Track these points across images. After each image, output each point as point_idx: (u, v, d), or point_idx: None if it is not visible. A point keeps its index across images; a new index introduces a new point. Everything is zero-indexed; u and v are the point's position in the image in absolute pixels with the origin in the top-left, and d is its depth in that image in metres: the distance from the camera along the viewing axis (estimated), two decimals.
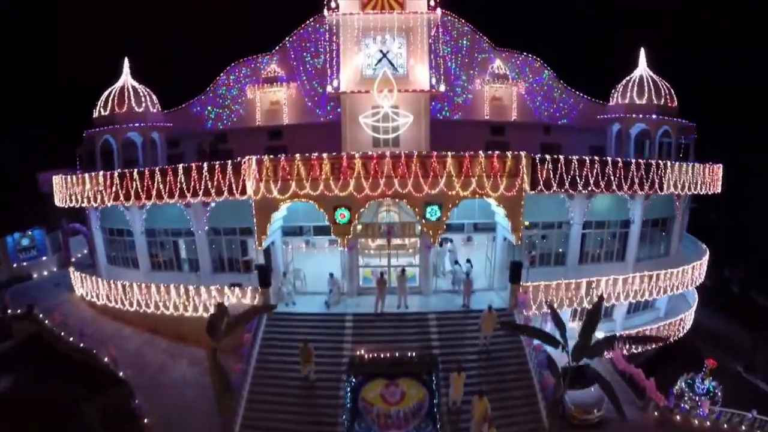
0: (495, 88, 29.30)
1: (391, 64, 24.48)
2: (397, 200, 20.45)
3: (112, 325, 23.17)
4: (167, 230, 23.23)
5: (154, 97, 26.50)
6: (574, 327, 20.27)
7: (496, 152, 19.81)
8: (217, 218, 22.10)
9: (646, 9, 44.23)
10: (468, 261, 22.51)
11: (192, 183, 20.39)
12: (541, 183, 20.36)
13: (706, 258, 26.45)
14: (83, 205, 23.21)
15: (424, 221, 20.02)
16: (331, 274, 21.58)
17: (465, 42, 29.44)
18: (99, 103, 25.48)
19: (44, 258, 29.89)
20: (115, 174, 21.61)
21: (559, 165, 20.44)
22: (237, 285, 21.40)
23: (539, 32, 40.75)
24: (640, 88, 26.01)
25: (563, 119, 29.76)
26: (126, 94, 25.27)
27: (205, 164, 20.36)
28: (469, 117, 29.24)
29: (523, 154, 19.92)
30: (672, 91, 26.17)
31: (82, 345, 20.26)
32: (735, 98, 41.50)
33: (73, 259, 29.51)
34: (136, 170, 21.35)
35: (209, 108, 29.35)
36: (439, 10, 24.28)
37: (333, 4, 24.41)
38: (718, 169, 25.78)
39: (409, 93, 24.04)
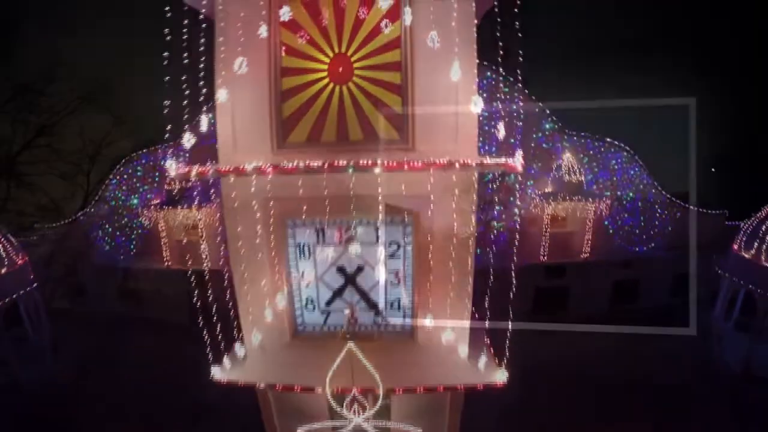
0: (560, 207, 18.09)
1: (371, 305, 7.99)
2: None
3: None
4: None
5: (10, 247, 14.46)
6: None
7: None
8: None
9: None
10: None
11: None
12: None
13: None
14: None
15: None
16: None
17: (516, 121, 17.41)
18: None
19: None
20: None
21: None
22: None
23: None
24: None
25: (651, 242, 19.32)
26: None
27: None
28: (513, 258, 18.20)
29: None
30: None
31: None
32: None
33: None
34: None
35: (101, 228, 17.50)
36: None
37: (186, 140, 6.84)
38: None
39: (415, 393, 7.60)
